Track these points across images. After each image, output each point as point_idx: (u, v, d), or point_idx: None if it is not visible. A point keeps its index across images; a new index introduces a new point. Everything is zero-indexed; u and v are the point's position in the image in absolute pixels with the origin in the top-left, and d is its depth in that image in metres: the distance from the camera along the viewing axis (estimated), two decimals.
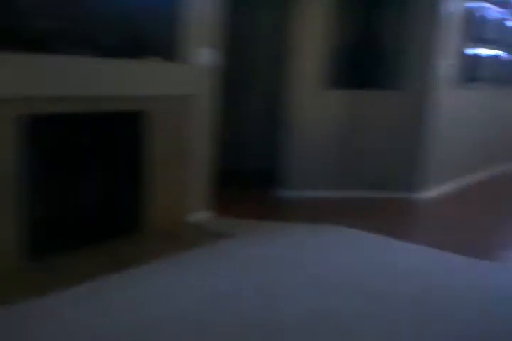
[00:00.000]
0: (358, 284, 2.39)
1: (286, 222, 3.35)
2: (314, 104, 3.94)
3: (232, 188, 4.37)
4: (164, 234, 2.94)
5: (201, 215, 3.29)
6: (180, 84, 2.92)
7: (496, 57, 4.89)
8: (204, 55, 3.07)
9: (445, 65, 4.05)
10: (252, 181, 4.80)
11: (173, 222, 3.07)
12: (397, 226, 3.38)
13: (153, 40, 2.84)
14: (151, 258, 2.53)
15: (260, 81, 5.04)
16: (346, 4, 4.00)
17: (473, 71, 4.42)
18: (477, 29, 4.35)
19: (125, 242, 2.77)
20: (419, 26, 3.91)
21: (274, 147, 4.25)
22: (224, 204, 3.67)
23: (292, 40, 3.88)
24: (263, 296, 2.19)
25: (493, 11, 4.60)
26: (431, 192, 4.24)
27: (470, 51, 4.33)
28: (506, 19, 4.93)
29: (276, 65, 4.91)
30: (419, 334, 1.91)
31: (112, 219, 2.83)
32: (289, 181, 4.04)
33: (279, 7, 4.84)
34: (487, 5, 4.33)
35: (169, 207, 3.05)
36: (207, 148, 3.28)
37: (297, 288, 2.29)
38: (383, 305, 2.18)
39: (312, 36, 3.84)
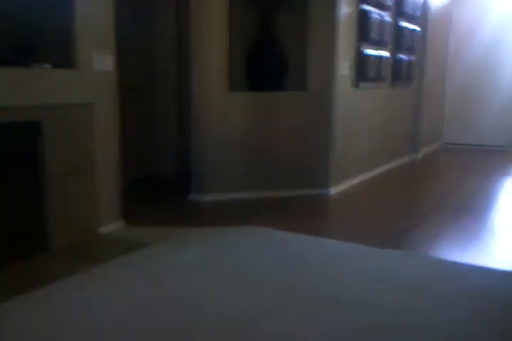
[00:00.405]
0: (281, 283, 2.43)
1: (202, 226, 3.34)
2: (221, 106, 3.96)
3: (147, 196, 4.29)
4: (75, 248, 2.82)
5: (114, 226, 3.19)
6: (76, 91, 2.82)
7: (389, 58, 5.20)
8: (100, 61, 2.98)
9: (344, 66, 4.24)
10: (167, 187, 4.74)
11: (84, 235, 2.95)
12: (311, 221, 3.49)
13: (44, 46, 2.71)
14: (61, 275, 2.41)
15: (169, 85, 5.00)
16: (246, 7, 4.08)
17: (369, 70, 4.67)
18: (372, 31, 4.60)
19: (34, 261, 2.62)
20: (317, 28, 4.06)
21: (188, 151, 4.22)
22: (139, 213, 3.59)
23: (195, 43, 3.88)
24: (181, 305, 2.16)
25: (385, 14, 4.89)
26: (340, 187, 4.42)
27: (366, 52, 4.57)
28: (399, 21, 5.27)
29: (183, 67, 4.90)
30: (328, 321, 1.99)
31: (14, 238, 2.66)
32: (204, 185, 4.04)
33: (179, 9, 4.84)
34: (369, 8, 4.57)
35: (78, 220, 2.92)
36: (113, 156, 3.19)
37: (216, 293, 2.29)
38: (297, 299, 2.23)
39: (214, 39, 3.86)
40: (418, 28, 5.89)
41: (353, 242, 3.01)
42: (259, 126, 4.09)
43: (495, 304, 2.17)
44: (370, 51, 4.65)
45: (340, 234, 3.24)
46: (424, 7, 6.02)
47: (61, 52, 2.80)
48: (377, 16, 4.66)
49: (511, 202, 4.33)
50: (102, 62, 2.99)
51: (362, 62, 4.54)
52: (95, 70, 2.94)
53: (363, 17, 4.45)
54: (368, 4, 4.51)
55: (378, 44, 4.83)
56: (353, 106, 4.55)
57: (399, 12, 5.27)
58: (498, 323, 2.03)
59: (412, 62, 5.82)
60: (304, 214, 3.70)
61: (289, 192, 4.19)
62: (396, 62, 5.37)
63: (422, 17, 5.97)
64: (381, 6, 4.77)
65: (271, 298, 2.19)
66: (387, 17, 4.94)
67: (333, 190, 4.33)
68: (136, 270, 2.55)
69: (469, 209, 3.87)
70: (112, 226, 3.17)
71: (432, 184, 4.94)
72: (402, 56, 5.49)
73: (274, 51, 4.14)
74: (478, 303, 2.16)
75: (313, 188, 4.26)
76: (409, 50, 5.68)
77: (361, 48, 4.51)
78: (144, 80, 4.82)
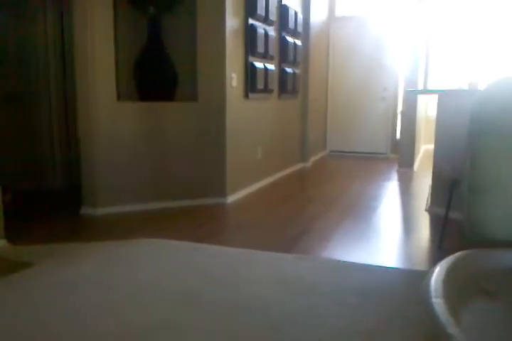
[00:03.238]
0: (177, 294, 2.43)
1: (94, 241, 3.22)
2: (110, 116, 3.87)
3: (35, 211, 4.04)
4: None
5: None
6: None
7: (275, 70, 5.42)
8: None
9: (233, 77, 4.35)
10: (57, 201, 4.50)
11: None
12: (207, 231, 3.51)
13: None
14: None
15: (52, 94, 4.77)
16: (133, 13, 4.04)
17: (257, 82, 4.83)
18: (259, 44, 4.76)
19: None
20: (207, 39, 4.13)
21: (78, 164, 4.05)
22: (25, 230, 3.37)
23: (78, 49, 3.76)
24: (67, 323, 2.08)
25: (270, 29, 5.10)
26: (237, 196, 4.50)
27: (254, 64, 4.73)
28: (283, 35, 5.52)
29: (68, 75, 4.71)
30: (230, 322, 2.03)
31: None
32: (97, 198, 3.90)
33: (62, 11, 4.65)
34: (256, 22, 4.75)
35: None
36: None
37: (104, 308, 2.22)
38: (198, 310, 2.25)
39: (100, 45, 3.76)
40: (300, 43, 6.22)
41: (248, 248, 3.09)
42: (151, 137, 4.05)
43: (376, 298, 2.35)
44: (258, 63, 4.82)
45: (236, 241, 3.30)
46: (305, 23, 6.39)
47: None
48: (262, 31, 4.85)
49: (391, 204, 4.69)
50: None
51: (251, 74, 4.69)
52: None
53: (250, 30, 4.61)
54: (254, 18, 4.67)
55: (265, 57, 5.02)
56: (244, 117, 4.67)
57: (282, 27, 5.53)
58: (380, 315, 2.20)
59: (296, 75, 6.12)
60: (201, 223, 3.72)
61: (185, 202, 4.18)
62: (282, 75, 5.61)
63: (303, 32, 6.33)
64: (266, 21, 4.97)
65: (167, 310, 2.17)
66: (272, 31, 5.15)
67: (230, 199, 4.40)
68: (20, 290, 2.39)
69: (354, 212, 4.14)
70: None
71: (321, 189, 5.21)
72: (288, 69, 5.75)
73: (163, 60, 4.12)
74: (362, 299, 2.32)
75: (210, 198, 4.29)
76: (293, 63, 5.96)
77: (249, 60, 4.66)
78: (23, 89, 4.56)
